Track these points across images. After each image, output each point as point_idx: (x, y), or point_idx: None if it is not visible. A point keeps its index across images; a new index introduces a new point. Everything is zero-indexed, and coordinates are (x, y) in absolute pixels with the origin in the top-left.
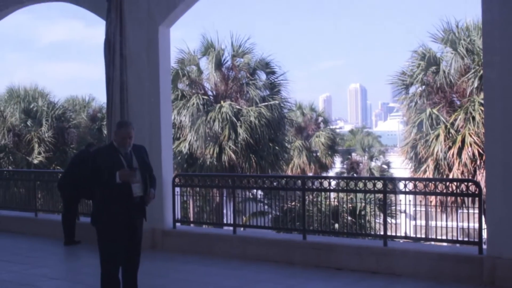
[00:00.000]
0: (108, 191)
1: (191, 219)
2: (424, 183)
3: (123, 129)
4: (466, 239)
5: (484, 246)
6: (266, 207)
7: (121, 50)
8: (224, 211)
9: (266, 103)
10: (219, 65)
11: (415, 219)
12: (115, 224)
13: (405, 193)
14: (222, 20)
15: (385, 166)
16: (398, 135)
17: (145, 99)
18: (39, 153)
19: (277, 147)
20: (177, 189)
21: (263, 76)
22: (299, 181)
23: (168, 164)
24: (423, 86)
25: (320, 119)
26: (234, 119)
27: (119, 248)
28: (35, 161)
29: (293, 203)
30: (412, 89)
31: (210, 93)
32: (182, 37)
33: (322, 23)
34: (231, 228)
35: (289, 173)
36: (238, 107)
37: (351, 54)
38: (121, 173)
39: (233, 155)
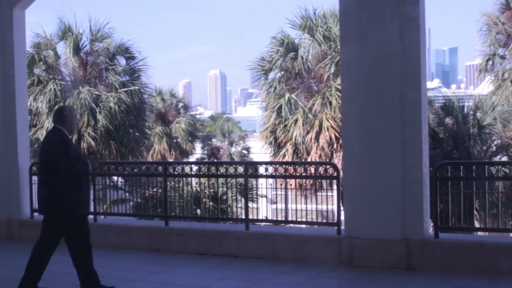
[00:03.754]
0: (77, 180)
1: None
2: (284, 166)
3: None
4: (325, 220)
5: (342, 227)
6: (127, 194)
7: None
8: None
9: (126, 89)
10: (77, 49)
11: (275, 202)
12: (78, 213)
13: (266, 177)
14: (81, 3)
15: (245, 151)
16: (258, 121)
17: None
18: None
19: (137, 133)
20: (35, 178)
21: (122, 61)
22: (160, 167)
23: (24, 152)
24: (282, 72)
25: (181, 105)
26: (93, 105)
27: None
28: None
29: (155, 189)
30: (271, 75)
31: (68, 78)
32: (38, 21)
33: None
34: (92, 216)
35: (149, 159)
36: (97, 93)
37: (213, 41)
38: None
39: (92, 142)
